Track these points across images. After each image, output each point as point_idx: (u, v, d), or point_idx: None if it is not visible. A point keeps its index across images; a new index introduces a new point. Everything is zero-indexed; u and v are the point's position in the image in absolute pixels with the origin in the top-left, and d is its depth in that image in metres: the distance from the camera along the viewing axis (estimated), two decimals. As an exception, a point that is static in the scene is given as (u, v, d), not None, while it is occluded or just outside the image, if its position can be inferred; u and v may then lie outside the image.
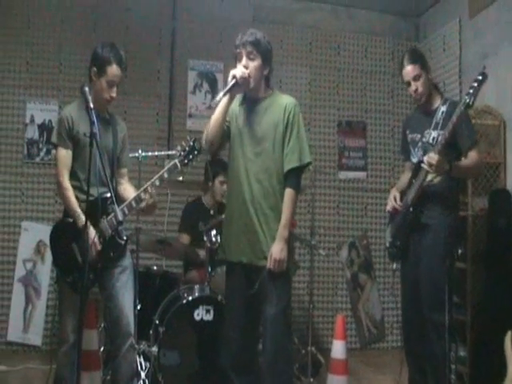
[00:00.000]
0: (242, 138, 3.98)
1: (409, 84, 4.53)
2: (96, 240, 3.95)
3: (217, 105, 3.89)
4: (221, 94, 3.85)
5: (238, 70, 3.85)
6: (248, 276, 3.91)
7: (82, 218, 3.85)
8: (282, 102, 4.00)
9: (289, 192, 3.90)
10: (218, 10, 7.00)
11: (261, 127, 3.95)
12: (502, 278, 5.20)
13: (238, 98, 4.06)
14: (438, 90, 4.69)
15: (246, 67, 3.87)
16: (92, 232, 3.89)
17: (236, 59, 3.95)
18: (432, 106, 4.53)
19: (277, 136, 3.91)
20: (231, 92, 3.86)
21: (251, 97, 4.03)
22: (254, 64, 3.89)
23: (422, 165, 4.25)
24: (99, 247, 4.01)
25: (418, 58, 4.56)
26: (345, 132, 7.35)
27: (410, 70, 4.50)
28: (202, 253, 5.36)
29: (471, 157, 4.31)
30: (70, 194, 4.06)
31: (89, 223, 3.60)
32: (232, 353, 3.97)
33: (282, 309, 3.84)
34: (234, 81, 3.82)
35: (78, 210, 4.00)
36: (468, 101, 3.98)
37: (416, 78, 4.47)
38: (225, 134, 4.01)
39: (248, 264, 3.89)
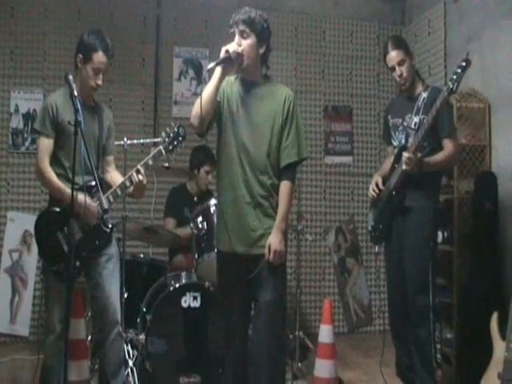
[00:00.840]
0: (236, 122, 3.83)
1: (393, 69, 4.56)
2: (90, 202, 3.92)
3: (209, 76, 3.72)
4: (212, 63, 3.67)
5: (231, 45, 3.72)
6: (245, 266, 3.82)
7: (69, 191, 3.71)
8: (282, 92, 3.91)
9: (286, 184, 3.83)
10: (202, -4, 6.98)
11: (258, 114, 3.83)
12: (488, 260, 5.24)
13: (231, 80, 3.91)
14: (420, 76, 4.72)
15: (239, 45, 3.75)
16: (82, 197, 3.76)
17: (230, 39, 3.81)
18: (414, 92, 4.56)
19: (275, 127, 3.82)
20: (224, 65, 3.68)
21: (247, 79, 3.90)
22: (247, 42, 3.75)
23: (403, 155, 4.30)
24: (95, 206, 3.99)
25: (401, 44, 4.60)
26: (331, 117, 7.36)
27: (394, 55, 4.53)
28: (186, 230, 5.37)
29: (446, 147, 4.38)
30: (52, 175, 4.03)
31: (76, 193, 3.56)
32: (227, 340, 3.96)
33: (276, 296, 3.79)
34: (226, 54, 3.67)
35: (63, 186, 3.98)
36: (451, 86, 4.01)
37: (401, 63, 4.50)
38: (215, 113, 3.82)
39: (244, 254, 3.80)
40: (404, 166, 4.24)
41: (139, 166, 4.09)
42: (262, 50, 3.85)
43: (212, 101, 3.71)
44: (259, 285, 3.79)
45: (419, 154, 4.27)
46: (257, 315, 3.84)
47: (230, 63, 3.70)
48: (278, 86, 3.99)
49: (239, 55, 3.72)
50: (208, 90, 3.71)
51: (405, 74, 4.50)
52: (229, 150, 3.85)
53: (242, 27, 3.75)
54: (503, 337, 3.75)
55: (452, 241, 5.43)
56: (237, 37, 3.77)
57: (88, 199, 3.85)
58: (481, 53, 5.84)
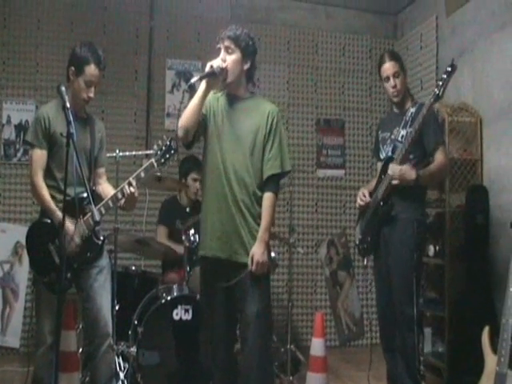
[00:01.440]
0: (221, 135, 3.92)
1: (387, 79, 4.61)
2: (75, 234, 3.92)
3: (191, 89, 3.84)
4: (196, 77, 3.79)
5: (216, 61, 3.83)
6: (227, 272, 3.88)
7: (59, 214, 3.83)
8: (265, 107, 3.99)
9: (269, 196, 3.90)
10: (195, 9, 7.00)
11: (241, 127, 3.93)
12: (480, 274, 5.25)
13: (217, 95, 4.01)
14: (410, 93, 4.81)
15: (223, 60, 3.85)
16: (70, 227, 3.85)
17: (217, 55, 3.93)
18: (404, 107, 4.64)
19: (257, 141, 3.90)
20: (208, 79, 3.78)
21: (231, 94, 3.99)
22: (231, 57, 3.86)
23: (388, 171, 4.37)
24: (78, 241, 3.99)
25: (398, 58, 4.69)
26: (323, 130, 7.36)
27: (390, 66, 4.59)
28: (179, 248, 5.36)
29: (437, 159, 4.43)
30: (45, 191, 4.04)
31: (66, 219, 3.56)
32: (212, 351, 3.96)
33: (264, 307, 3.85)
34: (210, 69, 3.77)
35: (54, 207, 3.99)
36: (438, 92, 4.09)
37: (395, 75, 4.57)
38: (200, 125, 3.92)
39: (226, 260, 3.86)
40: (394, 181, 4.30)
41: (131, 179, 4.08)
42: (246, 66, 3.95)
43: (196, 113, 3.80)
44: (243, 296, 3.84)
45: (407, 165, 4.32)
46: (245, 328, 3.86)
47: (214, 78, 3.80)
48: (263, 101, 4.10)
49: (223, 70, 3.83)
50: (192, 103, 3.81)
51: (399, 87, 4.57)
52: (214, 160, 3.93)
53: (227, 43, 3.88)
54: (494, 350, 3.76)
55: (444, 254, 5.45)
56: (222, 52, 3.88)
57: (75, 232, 3.92)
58: (473, 67, 5.87)
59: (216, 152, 3.91)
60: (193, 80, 3.77)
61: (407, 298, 4.33)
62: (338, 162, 7.37)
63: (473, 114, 5.73)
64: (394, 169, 4.33)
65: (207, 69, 3.79)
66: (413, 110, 4.47)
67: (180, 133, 3.81)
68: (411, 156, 4.38)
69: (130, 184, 4.07)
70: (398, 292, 4.42)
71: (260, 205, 3.89)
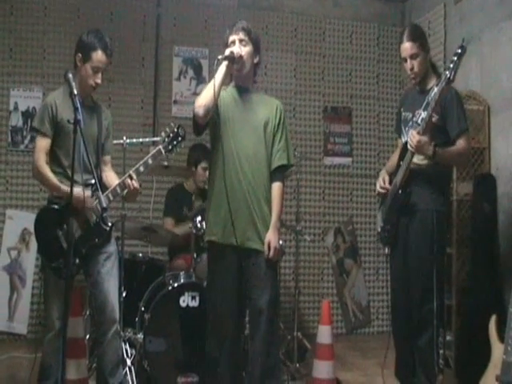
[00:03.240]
0: (233, 123, 3.98)
1: (405, 60, 4.39)
2: (86, 194, 3.89)
3: (217, 67, 3.88)
4: (221, 56, 3.87)
5: (235, 48, 3.91)
6: (238, 259, 3.94)
7: (64, 187, 3.87)
8: (273, 101, 4.16)
9: (279, 185, 4.04)
10: (202, -4, 6.98)
11: (253, 117, 4.02)
12: (487, 263, 5.24)
13: (225, 88, 4.05)
14: (436, 70, 4.53)
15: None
16: (79, 191, 3.82)
17: (226, 47, 3.99)
18: (426, 86, 4.39)
19: (268, 131, 4.02)
20: (228, 63, 3.87)
21: (241, 86, 4.09)
22: (246, 49, 3.95)
23: (407, 139, 4.24)
24: (92, 200, 3.99)
25: (418, 37, 4.39)
26: (330, 118, 7.35)
27: (408, 47, 4.34)
28: (184, 228, 5.40)
29: (458, 144, 4.23)
30: (47, 170, 4.04)
31: (74, 188, 3.54)
32: (222, 338, 3.97)
33: (274, 295, 3.94)
34: (231, 54, 3.86)
35: (58, 183, 4.00)
36: (449, 75, 3.91)
37: (413, 57, 4.33)
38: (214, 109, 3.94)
39: (239, 247, 3.90)
40: (409, 147, 4.16)
41: (131, 172, 4.09)
42: (256, 60, 4.08)
43: (216, 92, 3.80)
44: (256, 283, 3.90)
45: (425, 138, 4.11)
46: (257, 315, 3.90)
47: (233, 63, 3.89)
48: (268, 97, 4.28)
49: (241, 58, 3.90)
50: (214, 82, 3.81)
51: (416, 69, 4.34)
52: (226, 148, 3.96)
53: (241, 35, 3.98)
54: (501, 339, 3.76)
55: (451, 243, 5.43)
56: (237, 43, 3.95)
57: (86, 193, 3.88)
58: (481, 55, 5.85)
59: (228, 139, 3.96)
60: (219, 57, 3.85)
61: (425, 293, 4.23)
62: (345, 150, 7.36)
63: (481, 103, 5.71)
64: (412, 136, 4.13)
65: (227, 53, 3.87)
66: (436, 89, 4.09)
67: (201, 111, 3.82)
68: (433, 142, 4.23)
69: (130, 177, 4.07)
70: (416, 286, 4.31)
71: (270, 193, 4.00)
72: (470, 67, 5.93)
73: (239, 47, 3.93)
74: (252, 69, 4.07)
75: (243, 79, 4.07)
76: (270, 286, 3.91)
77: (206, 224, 4.21)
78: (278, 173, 4.04)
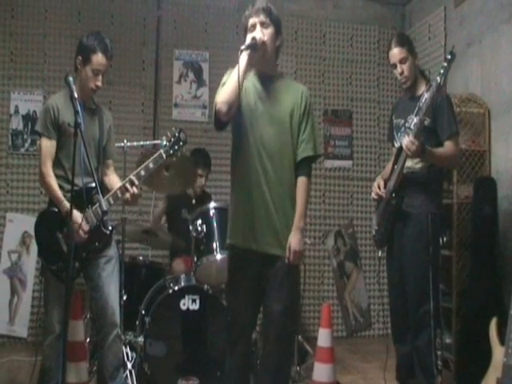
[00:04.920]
0: (255, 117, 3.71)
1: (395, 66, 4.52)
2: (83, 222, 3.93)
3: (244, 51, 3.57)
4: (243, 46, 3.54)
5: (257, 33, 3.61)
6: (258, 263, 3.69)
7: (66, 204, 3.85)
8: (298, 87, 3.87)
9: (304, 180, 3.73)
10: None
11: (277, 108, 3.73)
12: (487, 265, 5.23)
13: (247, 76, 3.71)
14: (425, 76, 4.66)
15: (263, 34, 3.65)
16: (77, 215, 3.87)
17: (246, 31, 3.72)
18: (417, 92, 4.51)
19: (293, 120, 3.73)
20: (250, 52, 3.55)
21: (263, 73, 3.80)
22: (268, 31, 3.66)
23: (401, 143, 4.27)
24: (86, 228, 3.99)
25: (405, 42, 4.54)
26: (331, 121, 7.35)
27: (396, 52, 4.48)
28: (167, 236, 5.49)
29: (446, 146, 4.31)
30: (53, 181, 4.05)
31: (74, 209, 3.57)
32: (232, 342, 3.79)
33: (290, 305, 3.69)
34: (253, 41, 3.56)
35: (61, 197, 4.00)
36: (439, 81, 4.00)
37: (402, 61, 4.46)
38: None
39: (259, 251, 3.67)
40: (407, 152, 4.14)
41: (132, 177, 4.08)
42: (278, 42, 3.77)
43: (241, 88, 3.54)
44: (269, 291, 3.68)
45: (419, 141, 4.13)
46: (269, 324, 3.72)
47: (256, 51, 3.59)
48: (294, 82, 4.00)
49: (264, 44, 3.62)
50: (235, 76, 3.53)
51: (406, 73, 4.47)
52: (246, 143, 3.71)
53: (262, 17, 3.68)
54: (502, 342, 3.75)
55: (451, 246, 5.43)
56: (258, 27, 3.67)
57: (83, 222, 3.92)
58: (481, 58, 5.86)
59: (249, 135, 3.70)
60: (243, 47, 3.54)
61: (421, 294, 4.27)
62: (345, 153, 7.37)
63: (481, 106, 5.71)
64: (411, 143, 4.11)
65: (249, 40, 3.59)
66: (427, 95, 4.19)
67: (224, 108, 3.53)
68: (425, 146, 4.27)
69: (132, 183, 4.06)
70: (412, 287, 4.36)
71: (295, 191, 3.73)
72: (470, 70, 5.94)
73: (261, 31, 3.63)
74: (274, 53, 3.76)
75: (266, 65, 3.75)
76: (287, 294, 3.65)
77: (228, 227, 3.92)
78: (303, 166, 3.73)
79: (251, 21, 3.70)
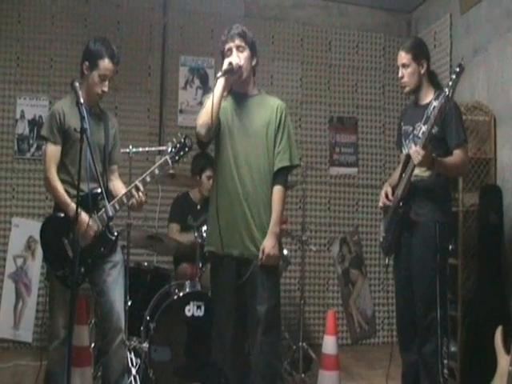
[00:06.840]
0: (232, 132, 3.95)
1: (398, 68, 4.51)
2: (91, 223, 3.93)
3: (215, 84, 3.83)
4: (220, 73, 3.81)
5: (233, 58, 3.86)
6: (238, 269, 3.92)
7: (73, 207, 3.82)
8: (274, 102, 4.06)
9: (279, 189, 3.96)
10: (209, 6, 7.01)
11: (252, 123, 3.96)
12: (493, 274, 5.23)
13: (225, 97, 3.99)
14: (434, 84, 4.55)
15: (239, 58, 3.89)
16: (85, 217, 3.86)
17: (223, 55, 3.97)
18: (422, 100, 4.45)
19: (269, 134, 3.96)
20: (227, 76, 3.81)
21: (240, 92, 4.03)
22: (244, 55, 3.92)
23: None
24: (95, 228, 3.99)
25: (412, 48, 4.46)
26: (336, 128, 7.35)
27: (400, 55, 4.47)
28: (189, 237, 5.41)
29: (456, 155, 4.26)
30: (59, 185, 4.04)
31: (81, 211, 3.57)
32: (225, 349, 3.96)
33: (273, 305, 3.88)
34: (230, 66, 3.81)
35: (68, 200, 3.99)
36: (447, 93, 3.97)
37: (404, 66, 4.43)
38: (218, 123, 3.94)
39: (238, 257, 3.89)
40: (415, 161, 4.11)
41: (137, 183, 4.09)
42: (254, 62, 4.03)
43: (216, 110, 3.77)
44: (253, 293, 3.87)
45: (428, 151, 4.09)
46: (254, 326, 3.88)
47: (233, 74, 3.85)
48: (269, 97, 4.14)
49: (240, 68, 3.87)
50: (215, 100, 3.75)
51: (405, 78, 4.43)
52: (225, 156, 3.97)
53: (237, 41, 3.94)
54: (508, 350, 3.76)
55: (457, 254, 5.42)
56: (234, 51, 3.92)
57: (91, 221, 3.92)
58: (487, 65, 5.86)
59: (227, 149, 3.95)
60: (218, 75, 3.81)
61: (428, 302, 4.23)
62: (350, 160, 7.37)
63: (487, 113, 5.71)
64: (418, 152, 4.08)
65: (225, 66, 3.83)
66: (435, 103, 4.16)
67: (202, 131, 3.81)
68: (433, 154, 4.25)
69: (137, 188, 4.07)
70: (419, 296, 4.30)
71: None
72: (476, 78, 5.94)
73: (237, 55, 3.89)
74: (251, 72, 4.02)
75: (242, 85, 4.01)
76: (268, 295, 3.85)
77: (206, 234, 4.20)
78: (280, 176, 3.97)
79: (227, 46, 3.96)
